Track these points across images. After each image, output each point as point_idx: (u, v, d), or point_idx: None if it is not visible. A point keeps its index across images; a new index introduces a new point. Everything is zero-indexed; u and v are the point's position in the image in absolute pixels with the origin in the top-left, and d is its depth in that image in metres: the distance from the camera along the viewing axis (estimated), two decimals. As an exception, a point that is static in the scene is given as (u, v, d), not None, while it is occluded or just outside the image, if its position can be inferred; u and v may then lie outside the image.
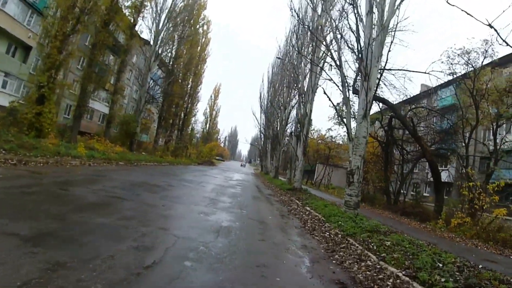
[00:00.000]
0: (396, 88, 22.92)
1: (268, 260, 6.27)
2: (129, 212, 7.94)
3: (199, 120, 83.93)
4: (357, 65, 15.74)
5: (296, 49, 26.12)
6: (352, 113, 15.24)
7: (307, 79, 26.84)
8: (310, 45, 24.57)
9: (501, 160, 21.22)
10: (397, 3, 12.99)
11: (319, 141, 50.74)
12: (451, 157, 26.73)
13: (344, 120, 14.87)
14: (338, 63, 14.93)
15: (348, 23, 23.12)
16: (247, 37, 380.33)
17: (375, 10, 13.18)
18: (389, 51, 13.39)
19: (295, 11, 23.77)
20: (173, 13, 36.15)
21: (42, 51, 20.47)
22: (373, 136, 27.81)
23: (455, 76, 22.06)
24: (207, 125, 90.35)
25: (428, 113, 25.13)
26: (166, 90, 43.11)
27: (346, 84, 15.10)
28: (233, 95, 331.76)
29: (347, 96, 15.05)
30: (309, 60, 23.48)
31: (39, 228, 5.32)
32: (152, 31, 34.49)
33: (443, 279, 5.78)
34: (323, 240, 8.94)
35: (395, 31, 13.69)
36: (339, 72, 15.15)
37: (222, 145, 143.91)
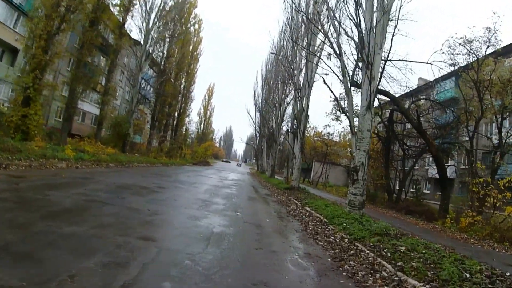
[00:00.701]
0: (396, 80, 22.02)
1: (267, 275, 5.24)
2: (107, 218, 6.93)
3: (193, 120, 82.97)
4: (355, 56, 14.73)
5: (291, 39, 25.08)
6: (354, 106, 14.23)
7: (302, 73, 26.02)
8: (305, 38, 23.52)
9: (508, 154, 20.29)
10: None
11: (316, 138, 49.90)
12: (453, 152, 25.83)
13: (347, 113, 13.78)
14: (337, 51, 13.89)
15: (347, 8, 21.81)
16: (236, 34, 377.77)
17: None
18: (393, 36, 12.33)
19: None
20: (163, 11, 35.29)
21: (27, 52, 19.53)
22: (373, 131, 26.81)
23: (456, 67, 21.12)
24: (202, 125, 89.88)
25: (431, 106, 24.10)
26: (158, 90, 42.37)
27: (347, 74, 14.07)
28: (226, 95, 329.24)
29: (349, 86, 14.01)
30: (304, 49, 22.40)
31: (-8, 240, 4.33)
32: (142, 30, 33.60)
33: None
34: (328, 246, 7.91)
35: (398, 16, 12.57)
36: (338, 61, 14.16)
37: (217, 145, 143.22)
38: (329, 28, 16.57)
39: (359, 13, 12.50)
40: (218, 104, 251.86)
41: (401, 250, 7.34)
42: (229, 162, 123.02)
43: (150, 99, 44.92)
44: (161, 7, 34.72)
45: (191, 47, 50.25)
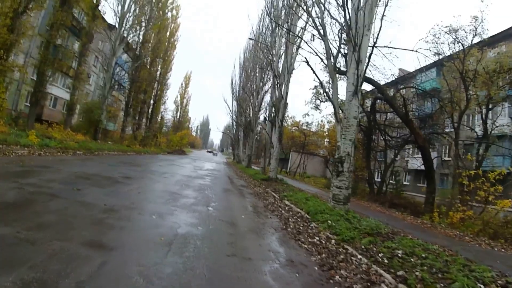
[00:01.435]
0: (378, 69, 21.03)
1: (241, 294, 4.09)
2: (50, 216, 5.73)
3: (169, 108, 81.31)
4: (337, 42, 13.63)
5: (271, 19, 23.92)
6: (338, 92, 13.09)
7: (282, 60, 24.98)
8: (286, 22, 22.24)
9: (494, 146, 19.76)
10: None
11: (294, 128, 49.16)
12: (435, 144, 25.23)
13: (331, 97, 12.63)
14: (321, 32, 12.72)
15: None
16: (215, 23, 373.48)
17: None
18: (382, 17, 11.16)
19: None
20: None
21: (-9, 31, 18.19)
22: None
23: (441, 56, 20.46)
24: (178, 114, 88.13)
25: (414, 96, 23.25)
26: (133, 75, 41.42)
27: (332, 56, 12.93)
28: (204, 84, 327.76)
29: (333, 69, 12.86)
30: (285, 31, 21.19)
31: None
32: (117, 13, 32.14)
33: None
34: (313, 250, 6.77)
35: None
36: (322, 42, 12.98)
37: (194, 134, 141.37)
38: (313, 7, 15.33)
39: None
40: (196, 93, 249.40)
41: (399, 255, 6.35)
42: (216, 154, 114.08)
43: (125, 85, 43.65)
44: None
45: (168, 33, 49.32)
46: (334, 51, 13.21)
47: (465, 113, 21.13)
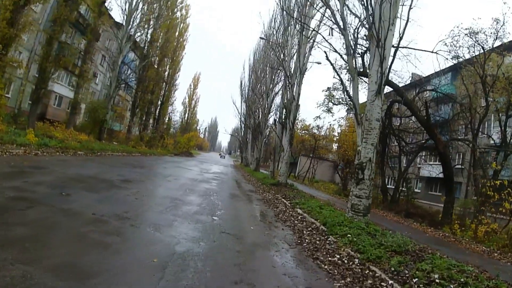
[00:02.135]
0: (394, 71, 19.91)
1: None
2: (22, 229, 4.77)
3: (177, 109, 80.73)
4: (352, 40, 12.56)
5: (286, 11, 23.05)
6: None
7: (294, 60, 23.98)
8: (300, 17, 21.24)
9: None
10: None
11: (303, 131, 48.17)
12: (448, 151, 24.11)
13: (351, 96, 11.47)
14: (341, 25, 11.64)
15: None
16: (224, 26, 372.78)
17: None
18: (409, 9, 10.14)
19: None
20: None
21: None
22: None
23: (459, 60, 19.44)
24: (186, 115, 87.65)
25: (430, 101, 22.02)
26: (140, 75, 40.37)
27: (352, 51, 11.86)
28: (213, 87, 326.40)
29: (354, 66, 11.75)
30: (300, 25, 20.22)
31: None
32: (124, 11, 31.41)
33: None
34: (335, 272, 5.72)
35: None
36: (342, 36, 11.90)
37: (202, 136, 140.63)
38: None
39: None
40: (204, 95, 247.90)
41: (436, 280, 5.34)
42: (224, 156, 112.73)
43: (132, 85, 42.65)
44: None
45: (177, 33, 48.25)
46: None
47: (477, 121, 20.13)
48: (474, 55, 19.06)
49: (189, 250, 5.30)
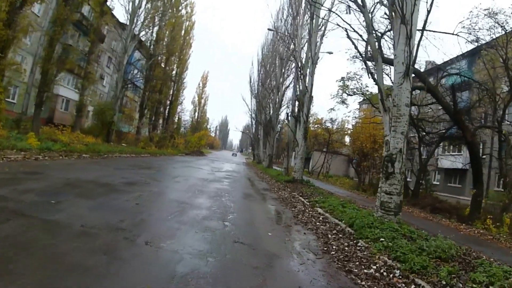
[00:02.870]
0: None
1: None
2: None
3: (187, 109, 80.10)
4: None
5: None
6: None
7: (305, 48, 22.92)
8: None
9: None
10: None
11: (316, 125, 47.14)
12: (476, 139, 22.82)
13: (376, 80, 10.17)
14: (359, 1, 10.47)
15: None
16: (231, 24, 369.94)
17: None
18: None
19: None
20: None
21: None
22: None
23: (480, 43, 18.16)
24: (196, 114, 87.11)
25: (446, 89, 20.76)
26: (147, 74, 39.84)
27: (374, 30, 10.65)
28: (222, 87, 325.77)
29: (376, 46, 10.49)
30: (310, 7, 19.18)
31: None
32: (128, 10, 30.72)
33: None
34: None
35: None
36: (361, 14, 10.71)
37: (212, 134, 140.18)
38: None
39: None
40: (213, 94, 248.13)
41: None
42: (236, 154, 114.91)
43: (139, 85, 42.19)
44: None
45: (183, 31, 47.74)
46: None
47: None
48: (494, 37, 17.83)
49: (193, 271, 4.20)
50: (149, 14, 33.92)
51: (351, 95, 25.92)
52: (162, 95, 44.85)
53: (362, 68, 20.07)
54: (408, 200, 20.74)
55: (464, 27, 17.14)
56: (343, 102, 28.14)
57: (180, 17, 44.97)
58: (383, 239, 6.73)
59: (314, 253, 6.13)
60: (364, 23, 11.19)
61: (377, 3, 11.46)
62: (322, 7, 17.29)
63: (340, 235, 7.70)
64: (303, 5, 24.14)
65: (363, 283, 4.85)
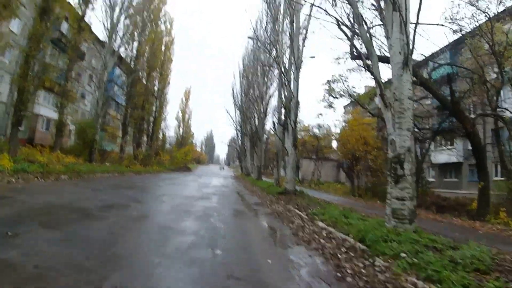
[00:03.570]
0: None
1: None
2: None
3: (171, 125, 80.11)
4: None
5: None
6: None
7: (287, 55, 22.22)
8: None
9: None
10: None
11: (303, 132, 46.59)
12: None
13: (373, 73, 9.13)
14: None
15: None
16: (210, 36, 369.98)
17: None
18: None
19: None
20: (129, 6, 32.50)
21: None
22: (374, 113, 23.41)
23: (462, 32, 18.01)
24: (180, 129, 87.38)
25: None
26: (129, 91, 39.76)
27: (365, 23, 9.64)
28: (204, 100, 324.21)
29: (368, 38, 9.37)
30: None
31: None
32: (107, 26, 30.48)
33: None
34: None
35: None
36: (348, 6, 9.80)
37: (198, 149, 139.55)
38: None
39: None
40: (197, 109, 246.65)
41: None
42: (223, 168, 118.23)
43: (121, 102, 42.36)
44: (125, 2, 31.56)
45: (163, 46, 48.64)
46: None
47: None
48: (476, 25, 17.54)
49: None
50: (128, 30, 34.01)
51: (337, 98, 25.40)
52: (145, 111, 44.88)
53: (348, 70, 19.52)
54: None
55: (446, 18, 17.02)
56: (330, 106, 27.78)
57: (159, 32, 45.81)
58: (404, 255, 5.63)
59: (328, 283, 4.95)
60: (352, 15, 10.29)
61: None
62: (306, 2, 16.58)
63: (352, 254, 6.55)
64: (282, 10, 23.60)
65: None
